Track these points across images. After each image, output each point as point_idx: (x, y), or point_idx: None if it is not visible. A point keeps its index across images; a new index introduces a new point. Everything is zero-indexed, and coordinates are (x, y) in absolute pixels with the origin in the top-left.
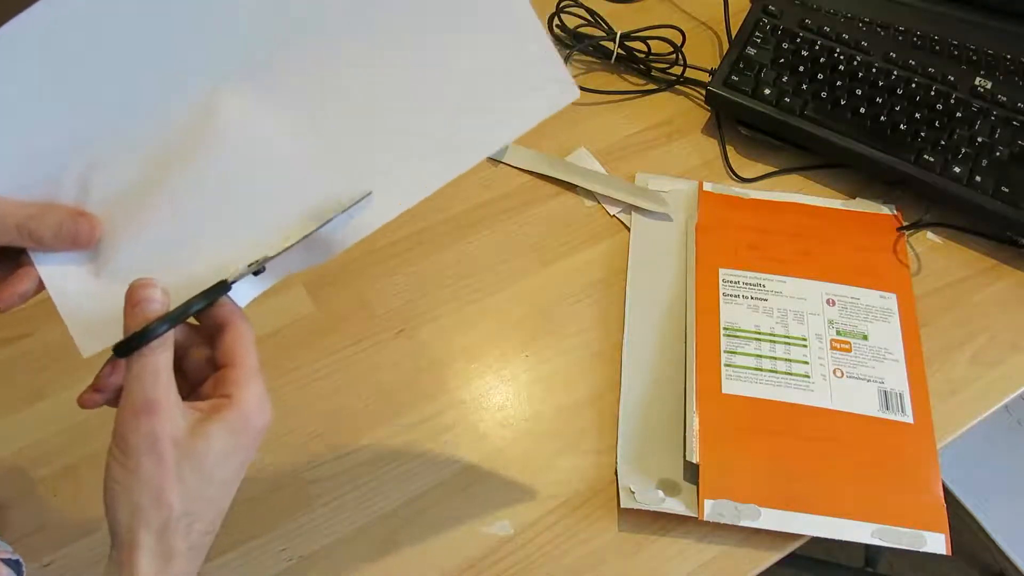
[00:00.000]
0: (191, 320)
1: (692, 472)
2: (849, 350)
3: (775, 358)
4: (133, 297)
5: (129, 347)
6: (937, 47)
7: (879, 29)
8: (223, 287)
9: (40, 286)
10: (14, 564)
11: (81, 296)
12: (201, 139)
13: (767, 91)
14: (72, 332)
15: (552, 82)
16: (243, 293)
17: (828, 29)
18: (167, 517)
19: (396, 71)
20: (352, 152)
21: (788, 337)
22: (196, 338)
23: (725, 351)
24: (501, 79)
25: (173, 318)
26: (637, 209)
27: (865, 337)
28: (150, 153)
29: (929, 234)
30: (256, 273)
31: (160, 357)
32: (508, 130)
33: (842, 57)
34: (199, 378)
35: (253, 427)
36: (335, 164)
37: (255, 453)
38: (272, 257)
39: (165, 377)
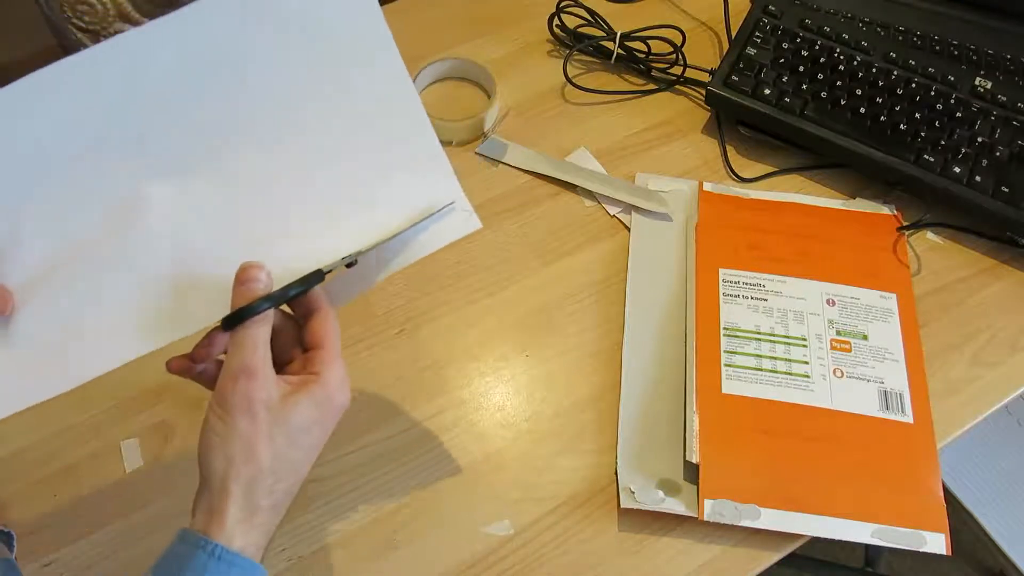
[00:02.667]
0: (284, 308)
1: (692, 472)
2: (849, 350)
3: (775, 358)
4: (242, 276)
5: (235, 320)
6: (937, 47)
7: (879, 29)
8: (319, 275)
9: None
10: (5, 536)
11: None
12: (116, 227)
13: (767, 91)
14: None
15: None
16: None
17: (828, 29)
18: (255, 472)
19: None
20: (249, 239)
21: (788, 337)
22: (287, 323)
23: (725, 351)
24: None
25: (274, 298)
26: (637, 209)
27: (865, 337)
28: (70, 237)
29: (929, 234)
30: (348, 266)
31: (260, 330)
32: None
33: (842, 57)
34: (285, 359)
35: (335, 403)
36: (232, 248)
37: (332, 429)
38: (364, 251)
39: (263, 348)
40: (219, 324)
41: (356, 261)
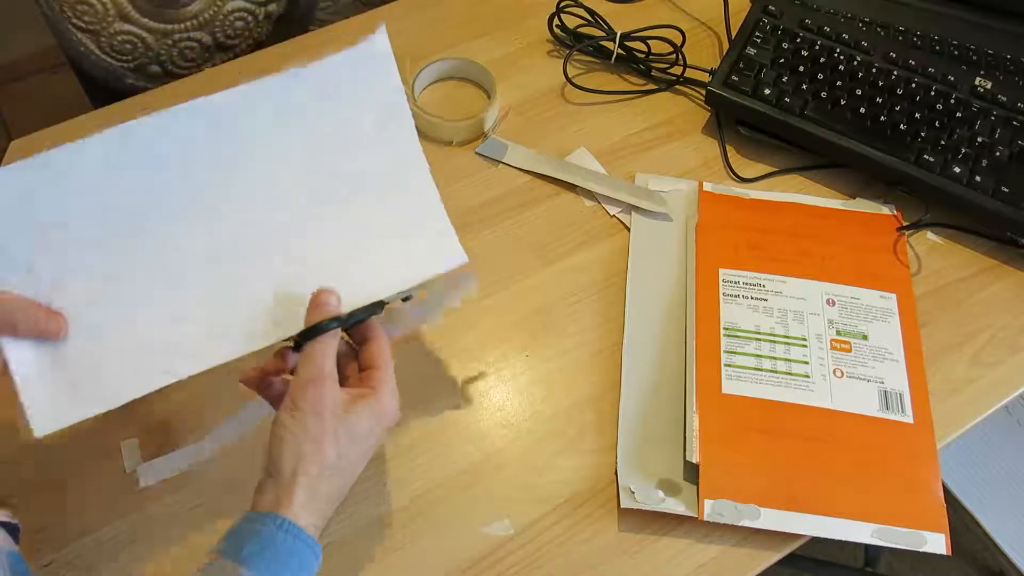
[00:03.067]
0: (344, 336)
1: (692, 472)
2: (849, 350)
3: (775, 358)
4: (316, 300)
5: (309, 334)
6: (937, 47)
7: (879, 29)
8: (379, 305)
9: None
10: (12, 528)
11: (37, 381)
12: (152, 266)
13: (767, 91)
14: (28, 413)
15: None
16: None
17: (828, 29)
18: (322, 464)
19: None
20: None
21: (788, 337)
22: (346, 349)
23: (725, 351)
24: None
25: (341, 319)
26: (637, 209)
27: (865, 337)
28: (112, 272)
29: (929, 234)
30: (404, 300)
31: (329, 344)
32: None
33: (842, 57)
34: (342, 378)
35: (388, 416)
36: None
37: (383, 439)
38: (416, 287)
39: (331, 361)
40: (289, 343)
41: (410, 296)
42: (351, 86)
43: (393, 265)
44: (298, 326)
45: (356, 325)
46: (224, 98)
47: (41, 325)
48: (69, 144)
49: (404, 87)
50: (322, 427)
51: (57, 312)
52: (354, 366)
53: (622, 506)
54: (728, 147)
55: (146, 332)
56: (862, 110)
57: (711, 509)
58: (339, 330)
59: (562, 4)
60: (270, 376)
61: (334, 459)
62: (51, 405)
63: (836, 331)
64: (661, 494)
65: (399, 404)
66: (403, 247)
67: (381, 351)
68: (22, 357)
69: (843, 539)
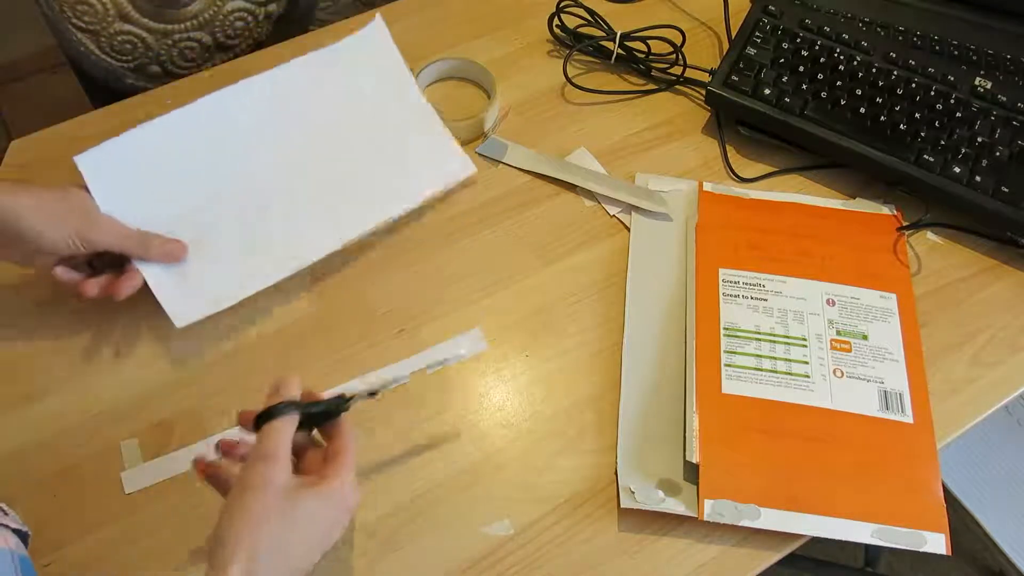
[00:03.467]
0: (317, 436)
1: (692, 472)
2: (849, 350)
3: (775, 358)
4: (276, 384)
5: (264, 417)
6: (937, 47)
7: (879, 29)
8: (343, 400)
9: (140, 283)
10: (23, 535)
11: (170, 289)
12: (249, 197)
13: (767, 91)
14: (168, 310)
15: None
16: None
17: (828, 29)
18: (256, 546)
19: (356, 172)
20: (333, 202)
21: (788, 337)
22: (315, 449)
23: (725, 351)
24: (418, 167)
25: (297, 405)
26: (637, 209)
27: (865, 337)
28: (218, 209)
29: (929, 234)
30: (371, 395)
31: (284, 427)
32: (422, 190)
33: (842, 57)
34: (303, 469)
35: (344, 502)
36: (325, 209)
37: (341, 531)
38: (386, 387)
39: (285, 442)
40: (249, 427)
41: (377, 393)
42: (357, 56)
43: (408, 176)
44: (353, 227)
45: (325, 421)
46: (269, 76)
47: (167, 248)
48: (179, 110)
49: (456, 145)
50: (264, 505)
51: (179, 240)
52: (317, 457)
53: (622, 506)
54: (728, 147)
55: (242, 251)
56: (862, 110)
57: (711, 509)
58: (296, 416)
59: (562, 4)
60: (219, 470)
61: (271, 541)
62: (182, 305)
63: (836, 331)
64: (661, 494)
65: (357, 495)
66: (416, 165)
67: (345, 442)
68: (154, 272)
69: (843, 539)
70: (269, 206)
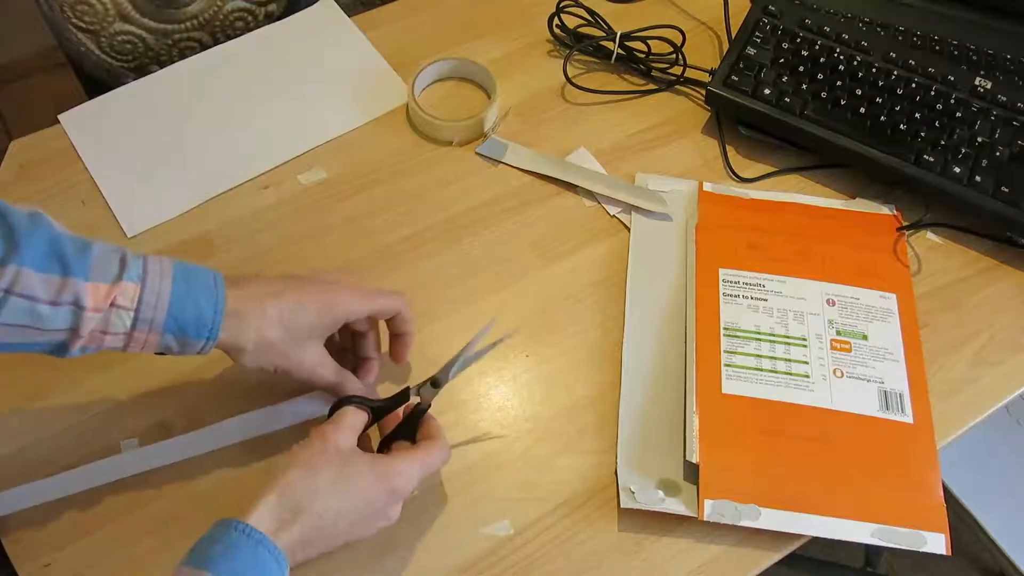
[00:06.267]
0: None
1: (692, 472)
2: (849, 350)
3: (775, 358)
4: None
5: (339, 404)
6: (937, 47)
7: (879, 29)
8: (405, 394)
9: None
10: None
11: (123, 196)
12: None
13: (767, 91)
14: (120, 220)
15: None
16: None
17: (828, 29)
18: (292, 481)
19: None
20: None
21: (788, 337)
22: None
23: (725, 351)
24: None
25: (363, 399)
26: (637, 209)
27: (865, 337)
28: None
29: (929, 234)
30: (434, 385)
31: (354, 409)
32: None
33: (842, 57)
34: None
35: (389, 482)
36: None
37: (381, 521)
38: (448, 375)
39: (352, 420)
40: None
41: (440, 382)
42: (298, 23)
43: (345, 107)
44: (274, 159)
45: (385, 408)
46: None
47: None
48: (155, 74)
49: (398, 77)
50: (311, 453)
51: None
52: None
53: (622, 506)
54: (728, 147)
55: (203, 166)
56: (862, 110)
57: (711, 509)
58: (363, 407)
59: (562, 4)
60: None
61: (307, 487)
62: (133, 217)
63: (836, 331)
64: (661, 494)
65: (409, 486)
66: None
67: (424, 437)
68: (112, 186)
69: (843, 539)
70: (227, 131)
